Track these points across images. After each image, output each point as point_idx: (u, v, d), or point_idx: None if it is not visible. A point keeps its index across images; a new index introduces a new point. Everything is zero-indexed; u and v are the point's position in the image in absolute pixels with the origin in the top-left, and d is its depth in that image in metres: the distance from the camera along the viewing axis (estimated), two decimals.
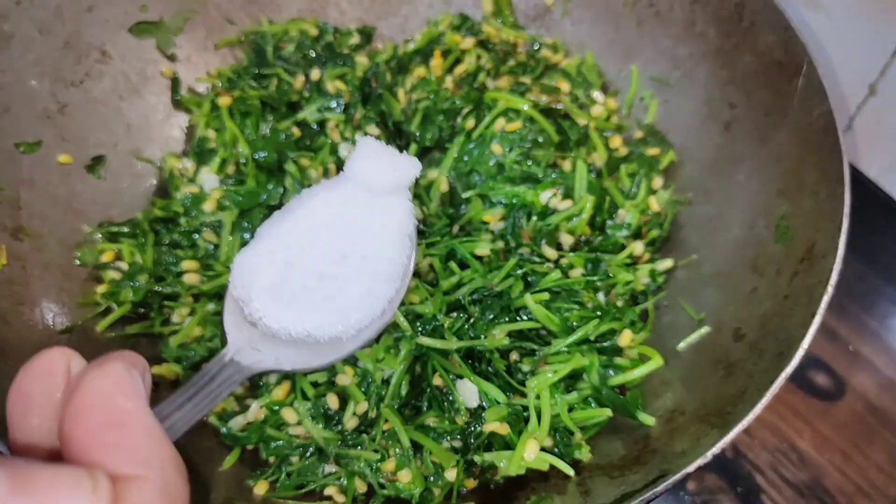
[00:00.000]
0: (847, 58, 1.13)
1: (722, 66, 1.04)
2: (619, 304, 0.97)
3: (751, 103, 1.00)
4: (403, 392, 0.88)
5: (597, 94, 1.15)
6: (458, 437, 0.85)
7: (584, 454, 0.85)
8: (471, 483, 0.86)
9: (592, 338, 0.90)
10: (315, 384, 0.90)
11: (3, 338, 0.87)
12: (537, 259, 0.97)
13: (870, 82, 1.14)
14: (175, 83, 1.14)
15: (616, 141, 1.11)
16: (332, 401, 0.88)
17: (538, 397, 0.86)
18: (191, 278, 1.00)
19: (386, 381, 0.88)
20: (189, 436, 0.91)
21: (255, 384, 0.95)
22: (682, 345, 0.92)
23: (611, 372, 0.90)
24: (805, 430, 1.06)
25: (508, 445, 0.85)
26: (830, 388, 1.09)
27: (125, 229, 1.05)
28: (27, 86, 0.99)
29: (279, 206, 1.04)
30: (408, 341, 0.89)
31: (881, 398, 1.08)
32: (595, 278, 0.96)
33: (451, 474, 0.84)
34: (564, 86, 1.12)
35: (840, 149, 0.85)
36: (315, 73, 1.15)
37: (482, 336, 0.90)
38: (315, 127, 1.13)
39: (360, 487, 0.86)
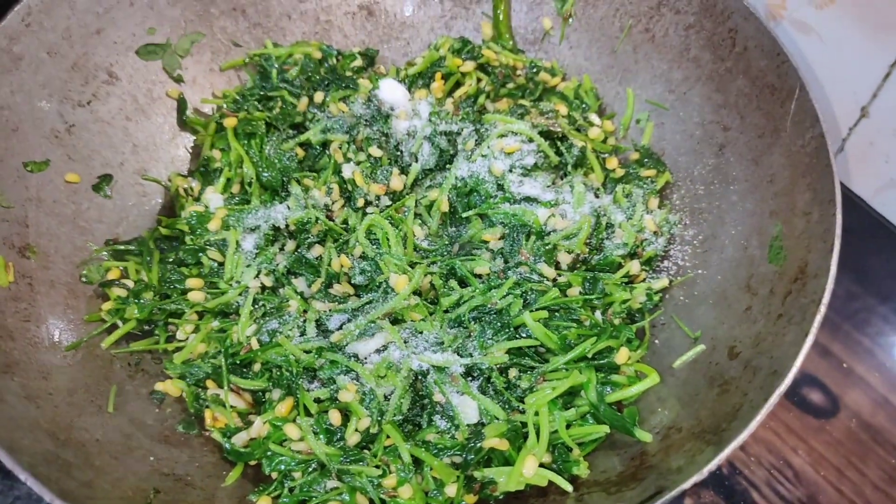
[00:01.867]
0: (839, 81, 1.16)
1: (716, 90, 1.06)
2: (616, 322, 0.98)
3: (744, 126, 1.02)
4: (405, 408, 0.89)
5: (594, 117, 1.17)
6: (458, 453, 0.86)
7: (581, 470, 0.87)
8: (470, 498, 0.87)
9: (590, 355, 0.92)
10: (318, 400, 0.91)
11: (8, 354, 0.88)
12: (536, 278, 0.99)
13: (862, 105, 1.16)
14: (181, 104, 1.16)
15: (612, 162, 1.13)
16: (335, 417, 0.89)
17: (537, 413, 0.87)
18: (195, 296, 1.01)
19: (387, 398, 0.90)
20: (192, 451, 0.93)
21: (259, 400, 0.97)
22: (677, 362, 0.94)
23: (608, 389, 0.91)
24: (800, 447, 1.07)
25: (507, 461, 0.87)
26: (825, 405, 1.10)
27: (131, 247, 1.06)
28: (36, 106, 1.01)
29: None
30: (408, 358, 0.90)
31: (875, 415, 1.09)
32: (592, 297, 0.98)
33: (451, 490, 0.85)
34: (562, 108, 1.15)
35: (832, 170, 0.87)
36: (318, 96, 1.17)
37: (482, 353, 0.91)
38: (318, 148, 1.15)
39: (362, 503, 0.87)
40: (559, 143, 1.11)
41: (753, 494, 1.04)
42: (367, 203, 1.09)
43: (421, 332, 0.93)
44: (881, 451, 1.06)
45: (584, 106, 1.19)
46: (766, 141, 0.98)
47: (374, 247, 1.02)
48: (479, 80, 1.19)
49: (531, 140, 1.08)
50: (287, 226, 1.06)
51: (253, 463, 0.93)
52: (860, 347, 1.14)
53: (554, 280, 1.00)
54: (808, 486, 1.04)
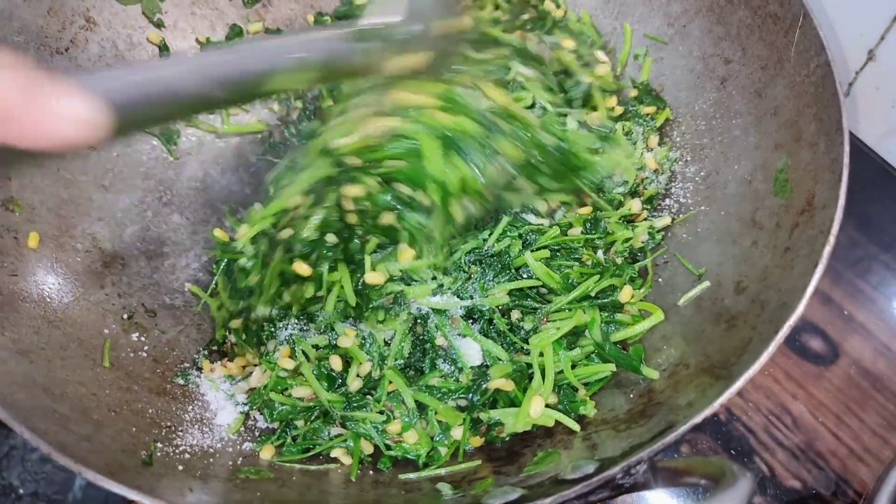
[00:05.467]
0: (846, 23, 1.13)
1: (716, 22, 1.03)
2: (619, 261, 0.97)
3: (746, 58, 0.99)
4: (405, 352, 0.87)
5: (600, 54, 1.13)
6: (463, 395, 0.85)
7: (588, 410, 0.85)
8: (477, 441, 0.86)
9: (593, 294, 0.90)
10: (316, 347, 0.89)
11: None
12: (532, 218, 0.97)
13: (869, 48, 1.14)
14: (163, 50, 1.12)
15: (611, 100, 1.10)
16: (336, 362, 0.88)
17: (541, 354, 0.86)
18: None
19: (387, 343, 0.88)
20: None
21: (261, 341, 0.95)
22: (682, 300, 0.92)
23: (612, 328, 0.90)
24: (799, 394, 1.06)
25: (513, 403, 0.85)
26: (825, 352, 1.09)
27: None
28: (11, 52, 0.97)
29: None
30: (408, 302, 0.88)
31: (875, 363, 1.08)
32: (594, 236, 0.96)
33: (457, 433, 0.84)
34: (569, 43, 1.11)
35: (838, 99, 0.84)
36: None
37: (483, 295, 0.89)
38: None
39: (367, 449, 0.86)
40: (562, 80, 1.08)
41: (751, 440, 1.03)
42: None
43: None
44: (880, 398, 1.06)
45: (590, 41, 1.15)
46: (769, 73, 0.96)
47: None
48: (496, 7, 1.14)
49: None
50: None
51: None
52: (862, 295, 1.13)
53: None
54: (807, 432, 1.03)
